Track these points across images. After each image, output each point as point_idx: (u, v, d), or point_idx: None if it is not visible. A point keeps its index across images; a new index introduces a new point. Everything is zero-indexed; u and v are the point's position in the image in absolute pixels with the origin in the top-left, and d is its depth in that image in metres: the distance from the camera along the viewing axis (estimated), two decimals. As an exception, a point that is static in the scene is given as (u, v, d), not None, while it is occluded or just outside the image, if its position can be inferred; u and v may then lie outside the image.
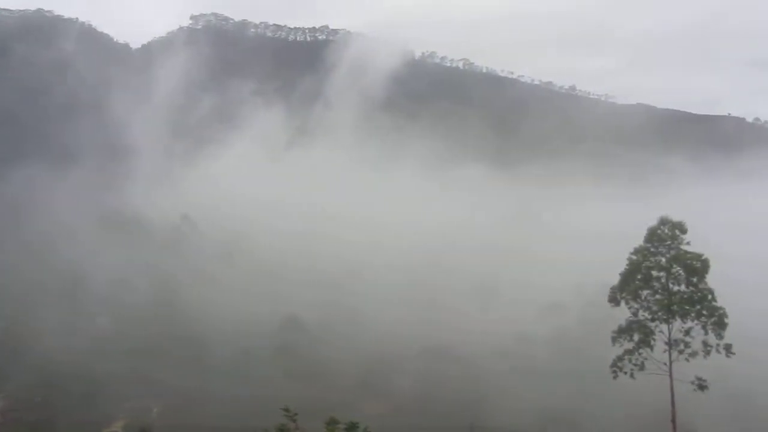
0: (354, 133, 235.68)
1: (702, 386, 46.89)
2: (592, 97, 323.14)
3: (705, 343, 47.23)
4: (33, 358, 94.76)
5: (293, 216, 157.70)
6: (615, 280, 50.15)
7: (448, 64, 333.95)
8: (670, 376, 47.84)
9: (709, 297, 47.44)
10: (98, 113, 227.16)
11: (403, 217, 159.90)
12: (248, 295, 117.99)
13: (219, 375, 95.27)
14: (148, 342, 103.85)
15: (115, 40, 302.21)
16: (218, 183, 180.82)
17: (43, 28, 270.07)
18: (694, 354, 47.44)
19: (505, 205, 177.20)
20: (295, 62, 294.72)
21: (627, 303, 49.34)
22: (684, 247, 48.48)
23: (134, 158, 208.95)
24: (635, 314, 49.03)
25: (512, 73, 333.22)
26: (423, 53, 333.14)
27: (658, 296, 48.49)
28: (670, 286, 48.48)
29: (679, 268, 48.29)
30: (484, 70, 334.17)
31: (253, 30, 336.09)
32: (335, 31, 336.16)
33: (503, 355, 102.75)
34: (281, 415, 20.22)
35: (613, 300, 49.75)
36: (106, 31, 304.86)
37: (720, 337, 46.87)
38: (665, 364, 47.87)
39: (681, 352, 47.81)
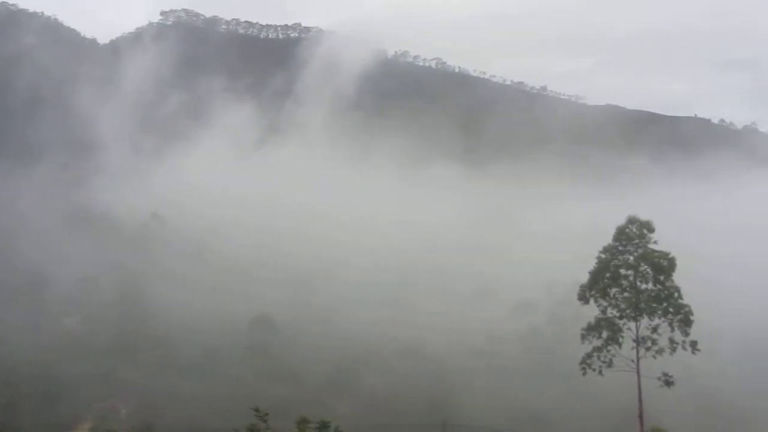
0: (325, 131, 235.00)
1: (668, 382, 47.71)
2: (563, 97, 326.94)
3: (671, 340, 48.08)
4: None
5: (264, 214, 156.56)
6: (585, 278, 50.75)
7: (421, 64, 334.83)
8: (638, 372, 48.57)
9: (676, 295, 48.28)
10: (64, 109, 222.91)
11: (375, 217, 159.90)
12: (218, 294, 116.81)
13: (189, 375, 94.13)
14: (116, 342, 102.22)
15: (82, 35, 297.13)
16: (188, 180, 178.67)
17: (6, 21, 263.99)
18: (660, 351, 48.23)
19: (476, 204, 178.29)
20: (266, 60, 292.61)
21: (596, 301, 49.96)
22: (651, 246, 49.27)
23: (102, 155, 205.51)
24: (604, 312, 49.68)
25: (484, 73, 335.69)
26: (396, 52, 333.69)
27: (626, 294, 49.20)
28: (638, 284, 49.22)
29: (646, 267, 49.05)
30: (457, 70, 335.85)
31: (224, 27, 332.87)
32: (308, 29, 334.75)
33: (475, 353, 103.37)
34: (252, 415, 20.06)
35: (583, 298, 50.34)
36: (72, 25, 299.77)
37: (686, 334, 47.75)
38: (633, 361, 48.59)
39: (648, 349, 48.58)
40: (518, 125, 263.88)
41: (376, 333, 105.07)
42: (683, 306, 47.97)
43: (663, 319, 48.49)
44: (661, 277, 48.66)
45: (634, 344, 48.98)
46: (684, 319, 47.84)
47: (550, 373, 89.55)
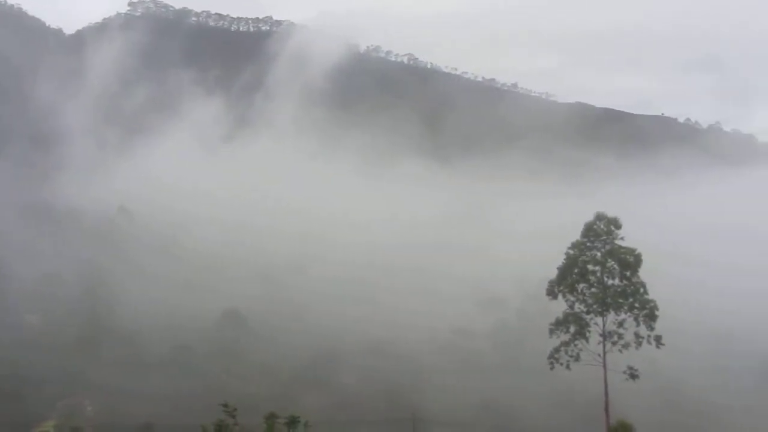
0: (296, 125, 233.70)
1: (633, 375, 48.66)
2: (533, 95, 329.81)
3: (637, 335, 49.02)
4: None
5: (234, 209, 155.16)
6: (554, 274, 51.38)
7: (393, 59, 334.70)
8: (604, 366, 49.40)
9: (641, 290, 49.23)
10: (27, 101, 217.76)
11: (345, 212, 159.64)
12: (188, 290, 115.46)
13: (156, 371, 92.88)
14: (81, 338, 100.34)
15: (47, 24, 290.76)
16: (156, 174, 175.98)
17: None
18: (626, 345, 49.16)
19: (446, 200, 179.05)
20: (236, 53, 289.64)
21: (564, 296, 50.69)
22: (618, 243, 50.09)
23: (66, 148, 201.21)
24: (572, 307, 50.44)
25: (456, 69, 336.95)
26: (368, 47, 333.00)
27: (593, 290, 50.01)
28: (605, 279, 50.05)
29: (613, 263, 49.89)
30: (429, 66, 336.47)
31: (194, 19, 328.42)
32: (279, 23, 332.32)
33: (445, 349, 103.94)
34: (220, 411, 19.90)
35: (551, 293, 51.03)
36: (37, 15, 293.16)
37: (651, 328, 48.74)
38: (599, 355, 49.42)
39: (614, 343, 49.48)
40: (489, 122, 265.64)
41: (346, 329, 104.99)
42: (648, 301, 48.96)
43: (629, 314, 49.43)
44: (628, 273, 49.58)
45: (601, 339, 49.81)
46: (649, 314, 48.82)
47: (518, 367, 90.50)
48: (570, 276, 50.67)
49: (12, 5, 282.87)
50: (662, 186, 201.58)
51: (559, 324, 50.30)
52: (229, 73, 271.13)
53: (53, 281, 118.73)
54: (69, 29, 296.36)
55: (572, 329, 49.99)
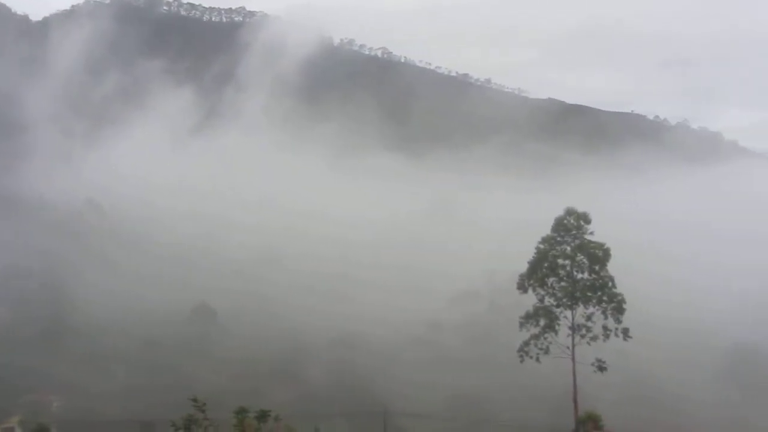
0: (267, 117, 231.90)
1: (602, 368, 49.38)
2: (506, 90, 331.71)
3: (605, 328, 49.73)
4: None
5: (203, 201, 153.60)
6: (524, 268, 51.87)
7: (367, 53, 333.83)
8: (573, 359, 50.02)
9: (610, 284, 49.92)
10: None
11: (316, 205, 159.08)
12: (157, 284, 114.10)
13: (124, 367, 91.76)
14: (46, 333, 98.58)
15: (12, 10, 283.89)
16: (124, 165, 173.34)
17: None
18: (595, 338, 49.85)
19: (417, 194, 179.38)
20: (208, 43, 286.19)
21: (534, 290, 51.15)
22: (588, 237, 50.71)
23: (31, 137, 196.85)
24: (542, 300, 50.92)
25: (430, 64, 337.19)
26: (341, 40, 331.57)
27: (563, 283, 50.53)
28: (574, 273, 50.61)
29: (582, 257, 50.48)
30: (403, 60, 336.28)
31: (165, 7, 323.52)
32: (252, 13, 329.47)
33: (416, 342, 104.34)
34: (190, 406, 19.73)
35: (522, 287, 51.47)
36: (3, 0, 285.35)
37: (618, 321, 49.49)
38: (568, 348, 50.01)
39: (583, 336, 50.11)
40: (460, 116, 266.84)
41: (318, 323, 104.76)
42: (616, 295, 49.67)
43: (597, 307, 50.08)
44: (596, 267, 50.20)
45: (570, 332, 50.39)
46: (617, 307, 49.53)
47: (489, 360, 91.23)
48: (540, 270, 51.16)
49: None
50: (629, 182, 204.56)
51: (529, 317, 50.78)
52: (200, 64, 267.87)
53: (18, 274, 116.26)
54: (36, 16, 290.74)
55: (542, 322, 50.50)
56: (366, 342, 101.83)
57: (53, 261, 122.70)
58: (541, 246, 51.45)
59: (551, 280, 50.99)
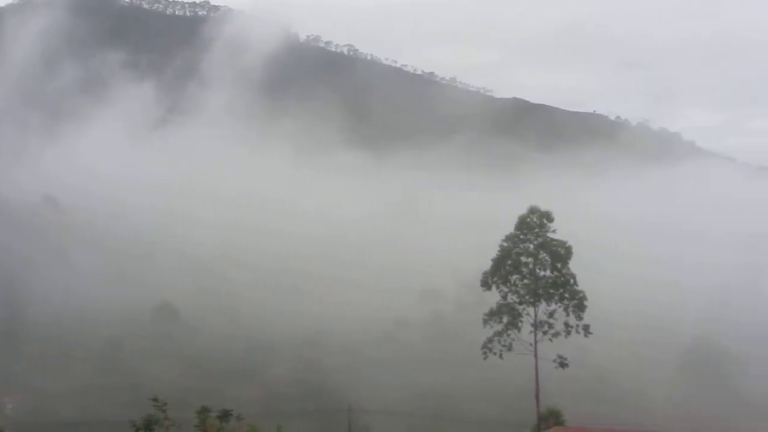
0: (230, 113, 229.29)
1: (563, 364, 50.15)
2: (471, 89, 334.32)
3: (566, 324, 50.49)
4: None
5: (165, 198, 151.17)
6: (487, 265, 52.35)
7: (333, 49, 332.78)
8: (535, 355, 50.69)
9: (572, 281, 50.71)
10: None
11: (280, 202, 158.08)
12: (118, 282, 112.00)
13: (83, 367, 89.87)
14: (1, 332, 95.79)
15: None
16: (83, 161, 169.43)
17: None
18: (556, 334, 50.59)
19: (381, 191, 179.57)
20: (171, 37, 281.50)
21: (498, 287, 51.68)
22: (550, 235, 51.42)
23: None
24: (505, 298, 51.47)
25: (396, 62, 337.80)
26: (308, 36, 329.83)
27: (526, 281, 51.15)
28: (537, 271, 51.28)
29: (545, 255, 51.18)
30: (369, 58, 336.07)
31: (126, 0, 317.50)
32: (216, 8, 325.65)
33: (382, 340, 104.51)
34: (150, 406, 19.45)
35: (485, 284, 51.94)
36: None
37: (580, 318, 50.31)
38: (531, 344, 50.66)
39: (545, 333, 50.81)
40: (424, 115, 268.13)
41: (281, 321, 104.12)
42: (578, 292, 50.46)
43: (559, 304, 50.82)
44: (559, 265, 50.94)
45: (533, 328, 51.06)
46: (578, 304, 50.33)
47: (453, 357, 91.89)
48: (504, 267, 51.69)
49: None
50: (589, 180, 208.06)
51: (493, 314, 51.29)
52: (162, 58, 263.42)
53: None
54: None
55: (505, 319, 51.04)
56: (331, 340, 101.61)
57: (9, 258, 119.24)
58: (505, 244, 52.01)
59: (514, 277, 51.57)
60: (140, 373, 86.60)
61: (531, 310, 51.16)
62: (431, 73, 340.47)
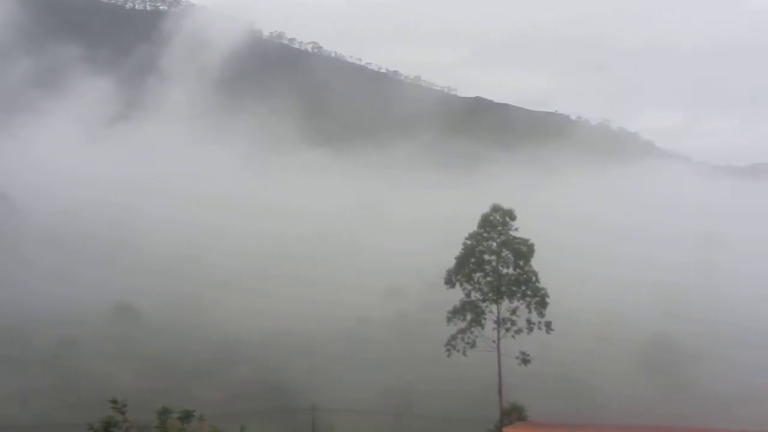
0: (191, 110, 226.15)
1: (525, 360, 50.91)
2: (435, 88, 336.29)
3: (528, 321, 51.29)
4: None
5: (123, 195, 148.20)
6: (450, 263, 52.79)
7: (297, 47, 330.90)
8: (498, 352, 51.36)
9: (534, 279, 51.51)
10: None
11: (241, 199, 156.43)
12: (75, 281, 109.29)
13: (37, 368, 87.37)
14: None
15: None
16: (38, 157, 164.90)
17: None
18: (519, 331, 51.33)
19: (344, 189, 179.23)
20: (130, 31, 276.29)
21: (461, 285, 52.19)
22: (513, 233, 52.10)
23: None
24: (468, 295, 52.02)
25: (360, 60, 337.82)
26: (271, 33, 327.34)
27: (489, 278, 51.79)
28: (500, 268, 51.94)
29: (508, 252, 51.88)
30: (333, 55, 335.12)
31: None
32: (177, 2, 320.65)
33: (346, 338, 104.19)
34: (109, 408, 19.00)
35: (449, 282, 52.46)
36: None
37: (542, 315, 51.15)
38: (494, 341, 51.29)
39: (508, 329, 51.50)
40: (386, 113, 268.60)
41: (243, 320, 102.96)
42: (540, 289, 51.35)
43: (522, 301, 51.62)
44: (521, 263, 51.68)
45: (496, 325, 51.67)
46: (540, 301, 51.22)
47: (417, 355, 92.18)
48: (467, 265, 52.23)
49: None
50: (550, 179, 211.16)
51: (457, 312, 51.78)
52: (120, 53, 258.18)
53: None
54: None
55: (469, 317, 51.59)
56: (294, 339, 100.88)
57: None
58: (468, 242, 52.57)
59: (478, 275, 52.19)
60: (99, 375, 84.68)
61: (494, 307, 51.83)
62: (395, 72, 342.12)
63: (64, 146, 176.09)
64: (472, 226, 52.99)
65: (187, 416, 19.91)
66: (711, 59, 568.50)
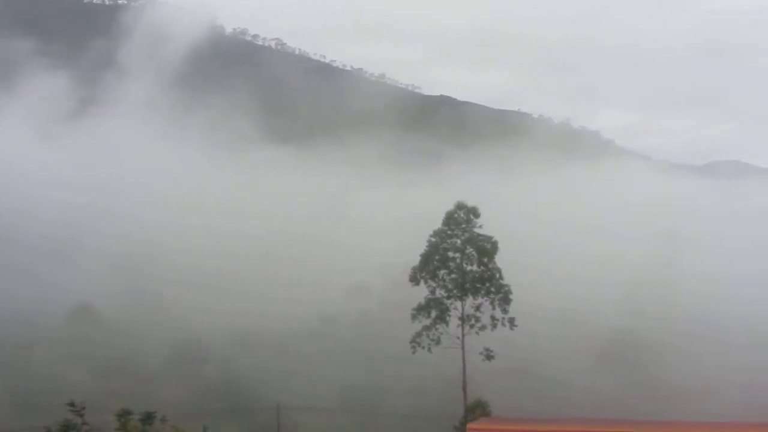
0: (150, 106, 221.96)
1: (489, 356, 51.32)
2: (400, 86, 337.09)
3: (492, 318, 51.73)
4: None
5: (79, 192, 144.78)
6: (414, 261, 52.95)
7: (260, 43, 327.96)
8: (462, 348, 51.67)
9: (497, 276, 51.97)
10: None
11: (202, 197, 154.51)
12: (31, 281, 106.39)
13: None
14: None
15: None
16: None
17: None
18: (483, 328, 51.75)
19: (305, 188, 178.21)
20: (88, 24, 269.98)
21: (426, 282, 52.36)
22: (477, 230, 52.49)
23: None
24: (433, 292, 52.23)
25: (324, 57, 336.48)
26: (234, 29, 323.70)
27: (453, 275, 52.07)
28: (464, 265, 52.26)
29: (472, 250, 52.23)
30: (297, 52, 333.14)
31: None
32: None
33: (309, 336, 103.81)
34: (67, 411, 18.46)
35: (414, 279, 52.59)
36: None
37: (505, 311, 51.65)
38: (458, 338, 51.57)
39: (472, 326, 51.86)
40: (349, 110, 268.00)
41: (206, 319, 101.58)
42: (503, 286, 51.82)
43: (486, 298, 52.03)
44: (485, 260, 52.08)
45: (460, 322, 51.98)
46: (504, 297, 51.68)
47: (381, 352, 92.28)
48: (432, 263, 52.42)
49: None
50: (511, 177, 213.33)
51: (421, 309, 51.92)
52: (78, 46, 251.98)
53: None
54: None
55: (433, 314, 51.78)
56: (257, 337, 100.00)
57: None
58: (433, 239, 52.76)
59: (442, 272, 52.41)
60: (56, 377, 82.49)
61: (458, 304, 52.11)
62: (360, 69, 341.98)
63: (18, 143, 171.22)
64: (436, 224, 53.20)
65: (148, 417, 19.41)
66: (670, 60, 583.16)
